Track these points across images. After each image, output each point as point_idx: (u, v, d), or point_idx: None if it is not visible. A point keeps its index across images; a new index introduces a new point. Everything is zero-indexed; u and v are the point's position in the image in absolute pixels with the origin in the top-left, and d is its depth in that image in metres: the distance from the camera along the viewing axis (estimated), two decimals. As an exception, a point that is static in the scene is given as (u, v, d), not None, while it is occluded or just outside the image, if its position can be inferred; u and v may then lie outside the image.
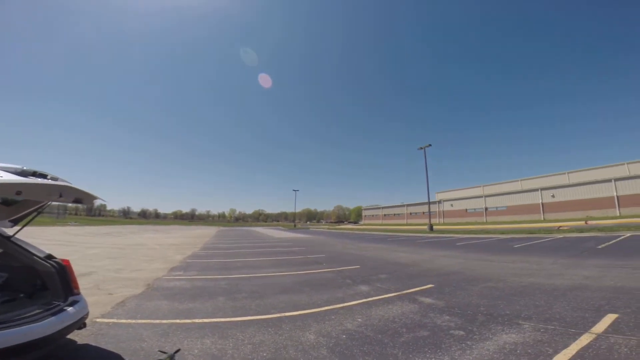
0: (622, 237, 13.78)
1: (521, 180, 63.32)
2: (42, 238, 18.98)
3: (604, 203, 44.45)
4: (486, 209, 62.28)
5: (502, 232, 23.33)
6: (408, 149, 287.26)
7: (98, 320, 4.62)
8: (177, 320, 4.72)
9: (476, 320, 4.30)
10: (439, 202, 73.28)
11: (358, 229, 50.00)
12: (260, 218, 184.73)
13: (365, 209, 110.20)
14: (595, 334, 3.43)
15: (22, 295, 3.49)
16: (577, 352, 3.00)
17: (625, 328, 3.51)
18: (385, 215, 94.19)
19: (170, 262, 11.24)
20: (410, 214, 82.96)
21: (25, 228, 3.83)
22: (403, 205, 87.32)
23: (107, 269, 9.46)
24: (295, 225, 77.07)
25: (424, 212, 74.33)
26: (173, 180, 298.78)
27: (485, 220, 59.41)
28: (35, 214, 3.71)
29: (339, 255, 14.03)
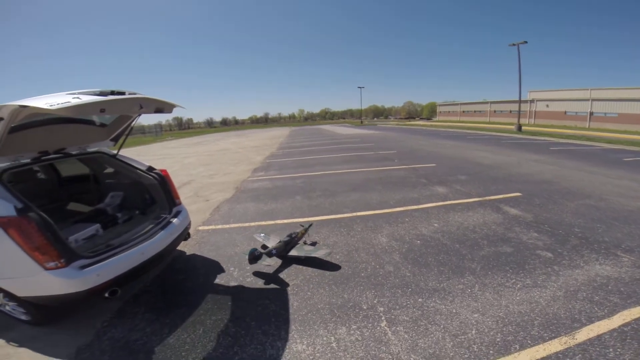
0: None
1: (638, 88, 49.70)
2: (148, 154, 21.61)
3: None
4: (591, 113, 52.19)
5: (610, 141, 19.73)
6: (496, 41, 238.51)
7: (200, 228, 5.11)
8: (263, 222, 5.20)
9: (568, 242, 3.96)
10: (532, 101, 63.14)
11: (432, 125, 47.16)
12: (327, 116, 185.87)
13: (440, 105, 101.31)
14: None
15: (137, 212, 3.92)
16: None
17: None
18: (464, 112, 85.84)
19: (253, 164, 12.27)
20: (495, 112, 74.06)
21: (133, 148, 4.19)
22: (486, 102, 77.65)
23: (202, 175, 10.52)
24: (362, 122, 75.56)
25: (510, 111, 65.76)
26: (246, 87, 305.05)
27: (588, 127, 50.58)
28: (129, 130, 3.98)
29: (411, 151, 13.66)
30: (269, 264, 3.42)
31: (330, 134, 31.86)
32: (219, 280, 3.42)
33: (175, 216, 3.56)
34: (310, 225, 4.40)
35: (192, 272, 3.66)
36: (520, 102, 34.60)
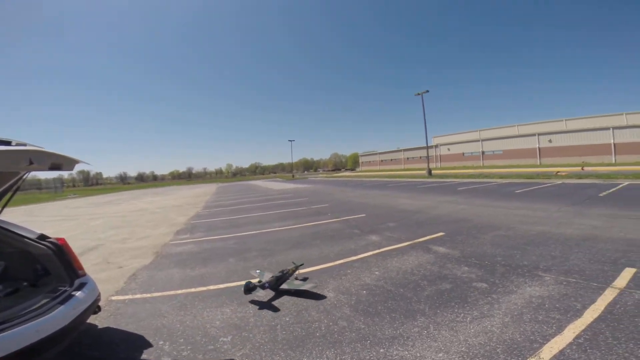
0: (621, 186, 13.90)
1: (518, 125, 62.69)
2: (43, 215, 18.79)
3: (600, 149, 44.68)
4: (483, 152, 62.48)
5: (501, 176, 23.54)
6: (405, 92, 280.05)
7: (114, 298, 4.50)
8: (192, 289, 4.64)
9: (496, 271, 4.37)
10: (436, 146, 73.13)
11: (356, 176, 50.41)
12: (257, 171, 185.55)
13: (362, 156, 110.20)
14: (618, 288, 3.50)
15: (25, 284, 3.26)
16: (606, 309, 3.07)
17: None
18: (382, 160, 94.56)
19: (176, 225, 11.25)
20: (407, 158, 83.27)
21: (24, 207, 3.58)
22: (400, 151, 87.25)
23: (113, 240, 9.35)
24: (293, 176, 77.26)
25: (420, 157, 74.65)
26: (166, 140, 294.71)
27: (482, 164, 59.96)
28: (14, 189, 3.24)
29: (341, 204, 14.18)
30: (262, 295, 3.94)
31: (261, 189, 31.65)
32: (147, 355, 2.87)
33: (78, 289, 3.02)
34: (302, 264, 4.90)
35: (109, 348, 3.04)
36: (427, 148, 39.60)
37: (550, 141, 51.08)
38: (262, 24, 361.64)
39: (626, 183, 14.91)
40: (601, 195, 11.45)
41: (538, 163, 49.99)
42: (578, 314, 3.01)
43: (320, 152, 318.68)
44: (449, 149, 70.57)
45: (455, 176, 27.66)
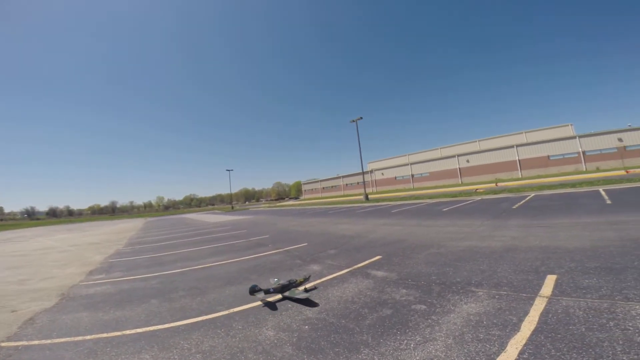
0: (529, 197, 15.90)
1: (440, 148, 69.60)
2: None
3: (509, 166, 51.61)
4: (412, 175, 67.52)
5: (430, 197, 25.39)
6: (341, 119, 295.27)
7: (3, 345, 3.90)
8: (104, 335, 3.97)
9: (432, 291, 4.33)
10: (371, 171, 77.18)
11: (299, 205, 50.28)
12: (192, 203, 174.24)
13: (304, 184, 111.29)
14: (546, 297, 3.62)
15: None
16: (540, 319, 3.10)
17: (569, 289, 3.77)
18: (323, 188, 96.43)
19: (89, 265, 9.75)
20: (347, 185, 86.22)
21: None
22: (339, 177, 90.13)
23: (8, 281, 7.92)
24: (232, 207, 73.98)
25: (358, 183, 77.99)
26: (85, 171, 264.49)
27: (412, 187, 64.59)
28: None
29: (283, 234, 13.70)
30: (263, 298, 4.58)
31: (196, 223, 29.51)
32: None
33: None
34: (310, 276, 5.52)
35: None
36: (363, 173, 41.38)
37: (468, 161, 57.43)
38: (198, 47, 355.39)
39: (532, 195, 17.08)
40: (514, 207, 12.83)
41: (460, 182, 55.56)
42: (516, 327, 2.99)
43: (262, 182, 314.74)
44: (382, 174, 74.96)
45: (390, 199, 29.11)
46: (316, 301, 4.46)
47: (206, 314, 4.56)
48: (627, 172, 27.37)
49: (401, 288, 4.62)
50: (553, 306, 3.34)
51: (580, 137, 46.64)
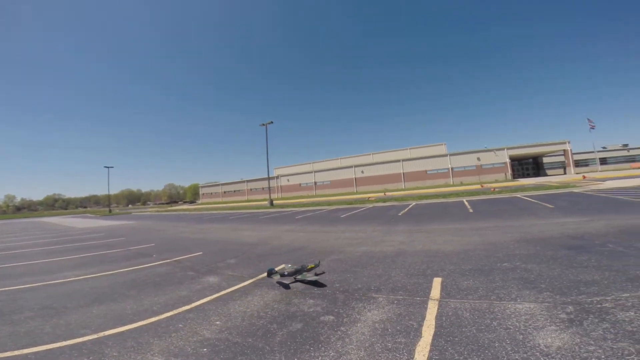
0: (411, 206, 18.09)
1: (340, 158, 74.45)
2: None
3: (395, 178, 58.49)
4: (315, 183, 70.26)
5: (330, 203, 26.59)
6: (249, 123, 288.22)
7: None
8: None
9: (337, 300, 4.27)
10: (277, 177, 77.22)
11: (195, 209, 46.35)
12: (57, 205, 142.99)
13: (203, 187, 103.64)
14: (436, 300, 3.90)
15: None
16: (437, 323, 3.27)
17: (453, 291, 4.15)
18: (225, 192, 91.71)
19: None
20: (251, 189, 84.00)
21: None
22: (243, 182, 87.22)
23: None
24: (110, 211, 63.17)
25: (263, 188, 76.88)
26: None
27: (315, 193, 67.11)
28: None
29: (173, 242, 12.21)
30: (279, 280, 5.14)
31: (58, 228, 24.30)
32: None
33: None
34: (320, 262, 5.93)
35: None
36: (269, 179, 40.84)
37: (362, 172, 62.83)
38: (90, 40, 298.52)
39: (414, 204, 19.46)
40: (400, 214, 14.34)
41: (355, 191, 60.26)
42: (418, 333, 3.08)
43: (152, 183, 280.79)
44: (288, 180, 75.81)
45: (294, 205, 29.43)
46: (324, 283, 5.04)
47: (66, 340, 3.54)
48: (481, 186, 33.96)
49: (308, 298, 4.45)
50: (444, 309, 3.61)
51: (450, 155, 56.25)
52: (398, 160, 59.59)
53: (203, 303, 4.72)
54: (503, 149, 53.15)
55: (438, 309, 3.61)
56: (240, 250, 8.92)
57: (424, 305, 3.75)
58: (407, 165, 58.68)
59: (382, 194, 38.12)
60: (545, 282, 4.09)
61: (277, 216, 20.41)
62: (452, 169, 55.39)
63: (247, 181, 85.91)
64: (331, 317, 3.72)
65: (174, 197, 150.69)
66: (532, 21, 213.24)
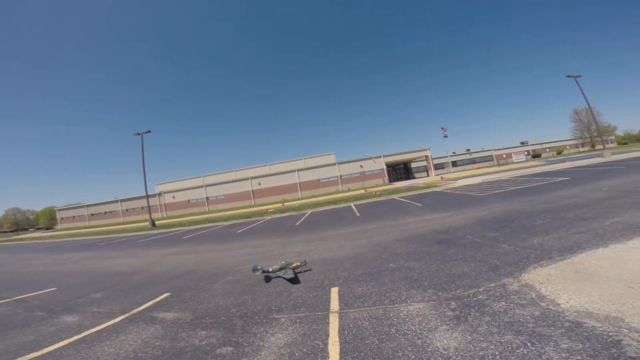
0: (307, 215, 18.51)
1: (236, 170, 71.88)
2: None
3: (292, 188, 59.64)
4: (207, 198, 65.61)
5: (225, 219, 25.05)
6: (120, 136, 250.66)
7: None
8: None
9: (236, 327, 3.80)
10: (160, 194, 69.04)
11: (51, 237, 37.19)
12: None
13: (61, 210, 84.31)
14: (336, 312, 3.81)
15: None
16: (340, 338, 3.12)
17: (350, 300, 4.12)
18: (93, 214, 76.79)
19: None
20: (127, 210, 72.61)
21: None
22: (116, 201, 74.75)
23: None
24: None
25: (142, 207, 67.61)
26: None
27: (207, 209, 62.65)
28: None
29: (17, 277, 9.45)
30: (261, 274, 5.74)
31: None
32: None
33: None
34: (306, 262, 6.16)
35: None
36: (148, 197, 35.95)
37: (259, 184, 61.95)
38: None
39: (310, 212, 19.98)
40: (297, 224, 14.43)
41: (253, 203, 58.89)
42: (325, 353, 2.88)
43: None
44: (174, 197, 68.55)
45: (182, 224, 26.63)
46: (300, 280, 5.28)
47: None
48: (365, 190, 37.53)
49: (199, 330, 3.84)
50: (345, 321, 3.52)
51: (338, 164, 60.72)
52: (294, 171, 61.04)
53: (58, 348, 3.67)
54: (380, 157, 60.40)
55: (339, 322, 3.52)
56: (111, 282, 7.37)
57: (326, 320, 3.62)
58: (303, 174, 60.70)
59: (280, 204, 38.17)
60: (427, 280, 4.48)
61: (160, 238, 18.00)
62: (340, 176, 59.86)
63: (122, 200, 74.00)
64: (229, 349, 3.23)
65: (21, 223, 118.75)
66: (384, 49, 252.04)
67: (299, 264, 5.93)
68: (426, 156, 62.81)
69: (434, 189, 22.21)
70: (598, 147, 69.94)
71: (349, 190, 51.95)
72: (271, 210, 27.46)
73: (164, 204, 68.54)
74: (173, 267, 8.46)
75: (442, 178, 39.24)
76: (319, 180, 60.10)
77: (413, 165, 75.40)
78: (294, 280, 5.30)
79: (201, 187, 67.09)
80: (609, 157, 28.14)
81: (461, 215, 9.73)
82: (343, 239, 8.81)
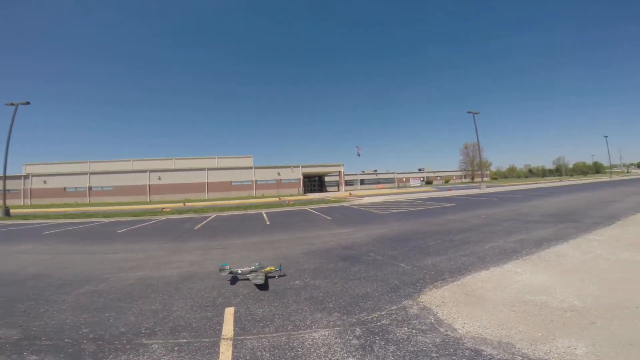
0: (210, 218, 16.93)
1: (132, 160, 63.27)
2: None
3: (198, 188, 55.04)
4: (90, 188, 55.82)
5: (106, 215, 21.26)
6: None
7: None
8: None
9: (83, 354, 2.86)
10: (26, 176, 56.06)
11: None
12: None
13: None
14: (229, 339, 3.11)
15: None
16: None
17: (248, 325, 3.45)
18: None
19: None
20: (-30, 192, 56.67)
21: None
22: (-45, 179, 57.79)
23: None
24: None
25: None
26: None
27: (88, 201, 53.21)
28: None
29: None
30: (227, 275, 5.11)
31: None
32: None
33: None
34: (281, 267, 5.54)
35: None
36: (5, 177, 28.37)
37: (159, 179, 55.45)
38: None
39: (214, 215, 18.38)
40: (196, 228, 12.94)
41: (148, 200, 52.25)
42: None
43: None
44: (45, 182, 56.35)
45: (47, 216, 21.70)
46: (269, 287, 4.73)
47: None
48: (279, 199, 36.83)
49: (28, 354, 2.79)
50: (240, 351, 2.86)
51: (255, 168, 58.93)
52: (203, 169, 56.55)
53: None
54: (298, 167, 60.96)
55: (233, 352, 2.84)
56: None
57: (214, 350, 2.89)
58: (213, 174, 56.71)
59: (181, 204, 34.63)
60: (332, 301, 4.11)
61: (11, 230, 14.14)
62: (256, 181, 58.07)
63: (-32, 179, 57.74)
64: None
65: None
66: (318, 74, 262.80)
67: (272, 268, 5.33)
68: (339, 172, 65.95)
69: (343, 204, 22.99)
70: (477, 179, 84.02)
71: (263, 196, 50.75)
72: (168, 210, 24.50)
73: (30, 189, 55.83)
74: (15, 269, 6.51)
75: (350, 194, 41.40)
76: (231, 182, 57.13)
77: (327, 179, 78.25)
78: (263, 287, 4.75)
79: (85, 174, 56.97)
80: (484, 189, 33.56)
81: (365, 231, 9.97)
82: (247, 249, 8.03)
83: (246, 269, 5.18)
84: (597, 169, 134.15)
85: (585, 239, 7.10)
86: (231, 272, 5.10)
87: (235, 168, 58.48)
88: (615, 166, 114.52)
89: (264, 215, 17.57)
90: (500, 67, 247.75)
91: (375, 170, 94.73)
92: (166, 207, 28.40)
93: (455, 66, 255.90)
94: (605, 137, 73.20)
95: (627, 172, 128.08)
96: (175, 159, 63.46)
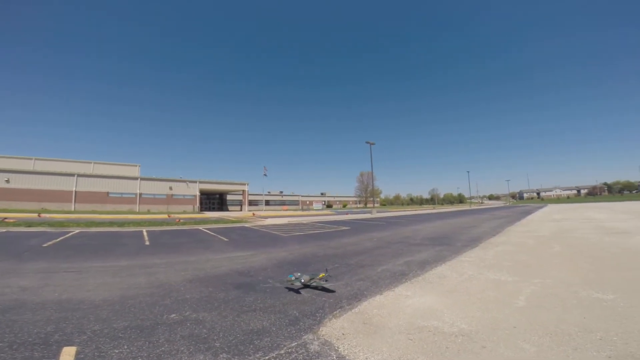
0: (72, 233, 13.65)
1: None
2: None
3: (62, 196, 44.94)
4: None
5: None
6: None
7: None
8: None
9: None
10: None
11: None
12: None
13: None
14: None
15: None
16: None
17: None
18: None
19: None
20: None
21: None
22: None
23: None
24: None
25: None
26: None
27: None
28: None
29: None
30: (295, 285, 5.41)
31: None
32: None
33: None
34: (327, 270, 6.35)
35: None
36: None
37: (7, 181, 43.46)
38: None
39: (77, 231, 14.94)
40: (45, 245, 10.14)
41: (-14, 208, 40.15)
42: None
43: None
44: None
45: None
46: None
47: None
48: (169, 216, 32.81)
49: None
50: None
51: (141, 179, 51.60)
52: (72, 174, 46.60)
53: None
54: (195, 182, 56.10)
55: None
56: None
57: None
58: (85, 182, 47.19)
59: (36, 214, 27.58)
60: (220, 339, 3.36)
61: None
62: (140, 194, 50.80)
63: None
64: None
65: None
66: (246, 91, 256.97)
67: (323, 274, 5.72)
68: (243, 190, 63.45)
69: (244, 224, 21.76)
70: (369, 205, 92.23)
71: (149, 212, 44.62)
72: (11, 220, 19.00)
73: None
74: None
75: (253, 214, 39.94)
76: (107, 193, 48.67)
77: (229, 197, 74.25)
78: (328, 290, 5.29)
79: None
80: (375, 214, 36.64)
81: (265, 255, 9.31)
82: (112, 274, 6.45)
83: (307, 277, 5.53)
84: (460, 199, 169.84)
85: (458, 261, 7.96)
86: (299, 280, 5.43)
87: (115, 177, 50.17)
88: (473, 197, 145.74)
89: (144, 233, 15.10)
90: (395, 105, 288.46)
91: (281, 192, 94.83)
92: (10, 216, 22.14)
93: (358, 103, 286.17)
94: (468, 172, 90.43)
95: (482, 202, 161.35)
96: (36, 159, 51.41)
